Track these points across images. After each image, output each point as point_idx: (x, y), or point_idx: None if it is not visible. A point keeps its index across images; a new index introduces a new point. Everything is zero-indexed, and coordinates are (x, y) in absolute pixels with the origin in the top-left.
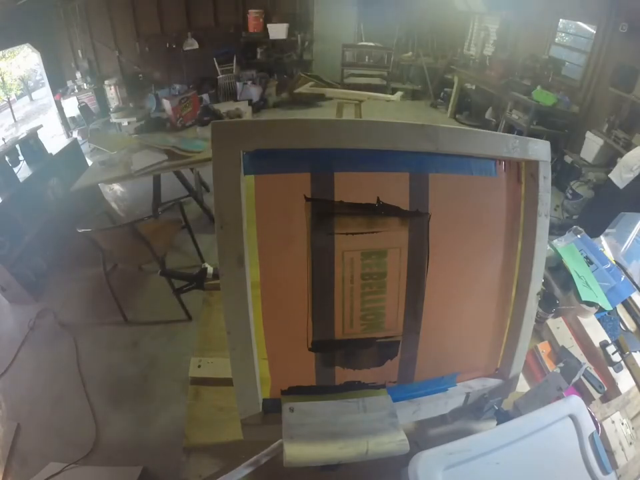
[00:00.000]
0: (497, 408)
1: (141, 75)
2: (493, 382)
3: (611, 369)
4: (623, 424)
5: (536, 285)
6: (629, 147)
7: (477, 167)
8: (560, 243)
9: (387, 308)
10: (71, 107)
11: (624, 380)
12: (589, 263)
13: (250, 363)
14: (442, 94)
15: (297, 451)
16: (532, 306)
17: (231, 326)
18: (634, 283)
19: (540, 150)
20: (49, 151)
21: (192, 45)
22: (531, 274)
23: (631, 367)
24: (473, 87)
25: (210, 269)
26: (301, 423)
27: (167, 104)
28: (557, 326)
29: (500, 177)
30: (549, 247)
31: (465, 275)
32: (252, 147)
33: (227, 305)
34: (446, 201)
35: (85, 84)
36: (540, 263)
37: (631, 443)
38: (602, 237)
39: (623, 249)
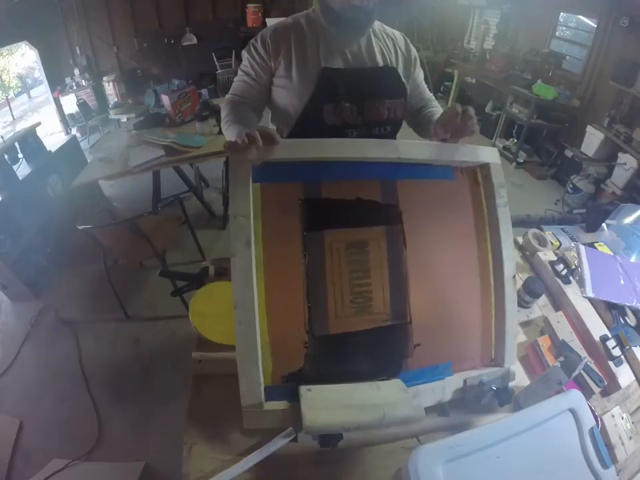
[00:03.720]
0: (494, 388)
1: (139, 71)
2: (489, 371)
3: (611, 363)
4: (622, 418)
5: (509, 268)
6: (629, 141)
7: (436, 172)
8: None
9: (374, 292)
10: (70, 103)
11: (624, 374)
12: None
13: (253, 337)
14: (442, 88)
15: (316, 416)
16: (510, 288)
17: (238, 300)
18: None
19: (489, 154)
20: (48, 148)
21: (190, 40)
22: (502, 258)
23: (631, 361)
24: (473, 81)
25: (211, 269)
26: (319, 398)
27: (165, 99)
28: (557, 320)
29: (458, 180)
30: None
31: (444, 265)
32: (259, 161)
33: (236, 281)
34: (414, 202)
35: (83, 80)
36: (508, 247)
37: (630, 437)
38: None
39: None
